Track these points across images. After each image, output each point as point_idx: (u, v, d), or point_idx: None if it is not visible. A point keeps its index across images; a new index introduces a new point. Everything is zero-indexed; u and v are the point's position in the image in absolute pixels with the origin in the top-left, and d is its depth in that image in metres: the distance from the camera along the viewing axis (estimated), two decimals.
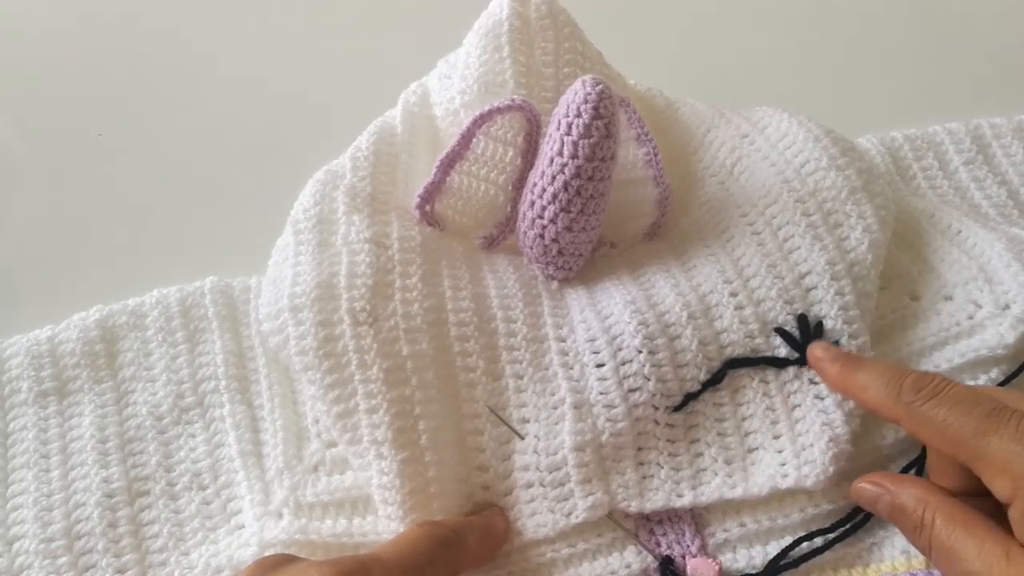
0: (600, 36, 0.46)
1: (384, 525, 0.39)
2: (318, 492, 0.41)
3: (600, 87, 0.38)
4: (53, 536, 0.41)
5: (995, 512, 0.32)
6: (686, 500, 0.39)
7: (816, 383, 0.39)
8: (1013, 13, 0.65)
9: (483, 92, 0.43)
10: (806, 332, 0.40)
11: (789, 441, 0.39)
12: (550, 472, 0.39)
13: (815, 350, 0.39)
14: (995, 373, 0.40)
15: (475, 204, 0.44)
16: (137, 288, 0.49)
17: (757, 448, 0.39)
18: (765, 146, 0.45)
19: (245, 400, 0.45)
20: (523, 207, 0.42)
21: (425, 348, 0.39)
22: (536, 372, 0.41)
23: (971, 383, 0.40)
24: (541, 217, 0.41)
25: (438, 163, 0.42)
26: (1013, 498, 0.31)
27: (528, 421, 0.40)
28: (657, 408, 0.39)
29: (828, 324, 0.40)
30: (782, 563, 0.38)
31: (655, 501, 0.39)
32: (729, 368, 0.40)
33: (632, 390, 0.39)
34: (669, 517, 0.39)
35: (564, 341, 0.41)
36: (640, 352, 0.39)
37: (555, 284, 0.44)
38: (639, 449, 0.39)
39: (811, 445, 0.38)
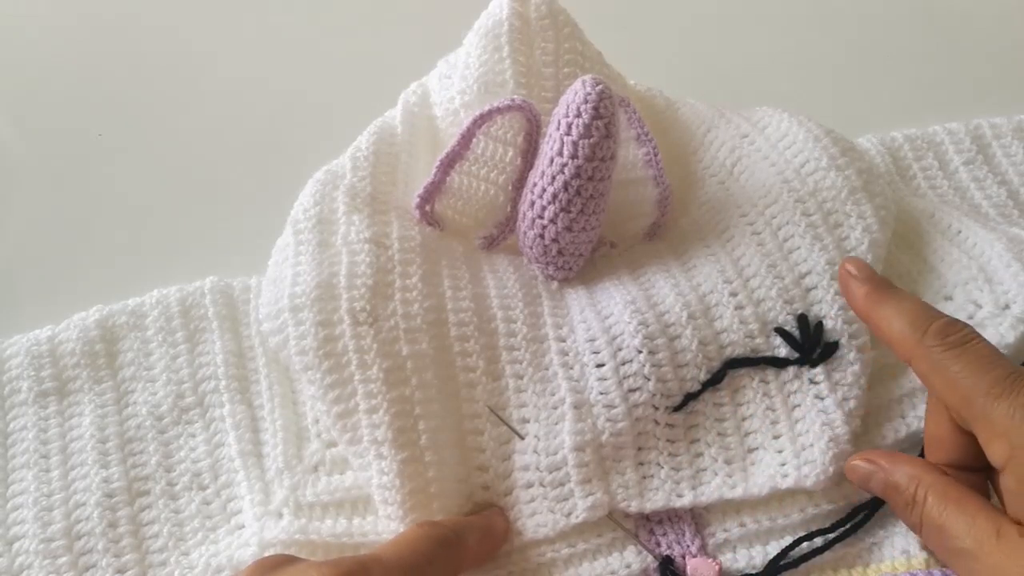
0: (600, 36, 0.46)
1: (384, 525, 0.39)
2: (318, 492, 0.41)
3: (600, 87, 0.38)
4: (53, 536, 0.41)
5: (984, 488, 0.32)
6: (686, 500, 0.39)
7: (816, 383, 0.39)
8: (1013, 13, 0.65)
9: (483, 92, 0.43)
10: (806, 332, 0.40)
11: (789, 441, 0.39)
12: (550, 472, 0.39)
13: (847, 264, 0.38)
14: None
15: (475, 204, 0.44)
16: (137, 288, 0.49)
17: (757, 448, 0.39)
18: (765, 146, 0.45)
19: (245, 400, 0.45)
20: (523, 207, 0.42)
21: (425, 348, 0.39)
22: (536, 372, 0.41)
23: None
24: (541, 217, 0.41)
25: (438, 163, 0.42)
26: (1006, 465, 0.31)
27: (528, 421, 0.40)
28: (657, 408, 0.39)
29: (828, 324, 0.40)
30: (782, 563, 0.38)
31: (655, 501, 0.39)
32: (729, 368, 0.40)
33: (632, 390, 0.39)
34: (669, 517, 0.39)
35: (564, 341, 0.41)
36: (640, 352, 0.39)
37: (555, 284, 0.44)
38: (639, 449, 0.39)
39: (811, 445, 0.38)
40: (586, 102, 0.38)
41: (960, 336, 0.33)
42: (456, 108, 0.44)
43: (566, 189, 0.40)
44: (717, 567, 0.38)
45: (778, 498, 0.39)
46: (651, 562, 0.38)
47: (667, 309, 0.40)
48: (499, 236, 0.45)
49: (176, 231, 0.54)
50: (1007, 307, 0.41)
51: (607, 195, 0.41)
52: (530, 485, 0.39)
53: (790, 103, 0.48)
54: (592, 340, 0.40)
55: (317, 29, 0.66)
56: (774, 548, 0.38)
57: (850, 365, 0.39)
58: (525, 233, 0.43)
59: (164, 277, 0.49)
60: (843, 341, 0.40)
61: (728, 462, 0.39)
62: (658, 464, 0.39)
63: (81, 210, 0.56)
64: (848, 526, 0.38)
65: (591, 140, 0.38)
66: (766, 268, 0.41)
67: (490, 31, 0.44)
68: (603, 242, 0.46)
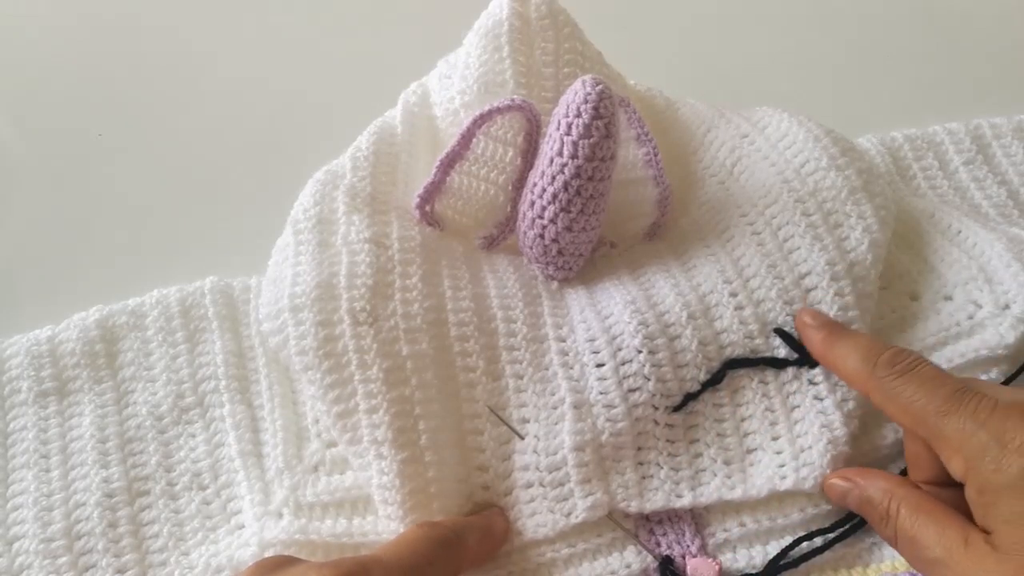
0: (600, 36, 0.46)
1: (384, 525, 0.39)
2: (318, 492, 0.41)
3: (600, 87, 0.38)
4: (53, 536, 0.41)
5: (964, 503, 0.33)
6: (685, 501, 0.39)
7: (815, 384, 0.39)
8: (1013, 13, 0.65)
9: (483, 92, 0.43)
10: None
11: (788, 443, 0.39)
12: (550, 472, 0.39)
13: (803, 315, 0.39)
14: (995, 373, 0.40)
15: (475, 204, 0.44)
16: (137, 288, 0.49)
17: (756, 449, 0.39)
18: (765, 146, 0.45)
19: (245, 400, 0.45)
20: (523, 207, 0.42)
21: (425, 348, 0.39)
22: (536, 372, 0.41)
23: None
24: (541, 217, 0.41)
25: (438, 163, 0.42)
26: (965, 477, 0.32)
27: (528, 421, 0.40)
28: (657, 408, 0.39)
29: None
30: (782, 563, 0.38)
31: (655, 501, 0.39)
32: (729, 368, 0.40)
33: (632, 390, 0.39)
34: (669, 517, 0.39)
35: (564, 341, 0.41)
36: (640, 352, 0.39)
37: (555, 284, 0.44)
38: (639, 449, 0.39)
39: (810, 447, 0.38)
40: (586, 102, 0.38)
41: (907, 363, 0.35)
42: (456, 108, 0.44)
43: (566, 189, 0.40)
44: (717, 567, 0.38)
45: (778, 498, 0.39)
46: (651, 562, 0.38)
47: (667, 309, 0.41)
48: (499, 236, 0.45)
49: (176, 231, 0.54)
50: (1007, 307, 0.41)
51: (607, 195, 0.41)
52: (530, 485, 0.39)
53: (790, 103, 0.48)
54: (592, 340, 0.40)
55: (317, 29, 0.66)
56: (774, 548, 0.38)
57: None
58: (525, 233, 0.43)
59: (164, 277, 0.49)
60: None
61: (727, 463, 0.39)
62: (658, 464, 0.39)
63: (81, 210, 0.56)
64: (848, 526, 0.38)
65: (591, 140, 0.38)
66: (766, 268, 0.41)
67: (490, 31, 0.44)
68: (603, 242, 0.46)
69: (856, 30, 0.64)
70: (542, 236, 0.42)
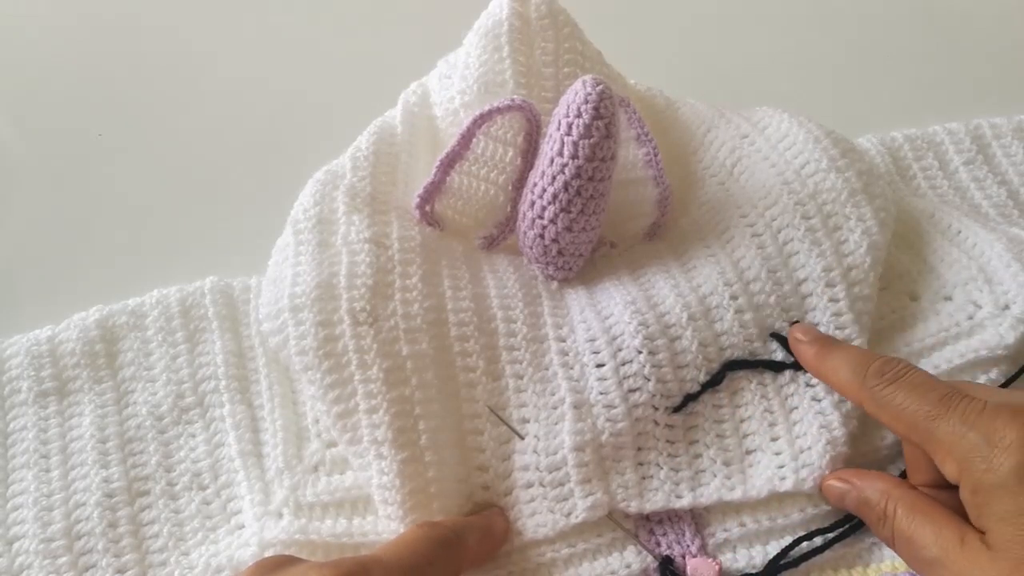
0: (600, 36, 0.46)
1: (384, 525, 0.39)
2: (318, 492, 0.41)
3: (600, 87, 0.38)
4: (53, 536, 0.41)
5: (961, 505, 0.33)
6: (685, 501, 0.39)
7: (812, 385, 0.40)
8: (1013, 13, 0.65)
9: (483, 92, 0.43)
10: None
11: (787, 443, 0.39)
12: (550, 472, 0.39)
13: (795, 332, 0.40)
14: (995, 374, 0.40)
15: (475, 204, 0.44)
16: (137, 288, 0.49)
17: (755, 450, 0.39)
18: (765, 147, 0.45)
19: (245, 400, 0.45)
20: (523, 207, 0.42)
21: (425, 348, 0.39)
22: (536, 372, 0.41)
23: None
24: (541, 217, 0.41)
25: (438, 163, 0.42)
26: (959, 478, 0.32)
27: (528, 421, 0.40)
28: (657, 408, 0.39)
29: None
30: (782, 563, 0.38)
31: (654, 502, 0.39)
32: (728, 370, 0.40)
33: (632, 390, 0.39)
34: (669, 517, 0.39)
35: (564, 341, 0.41)
36: (640, 352, 0.39)
37: (555, 284, 0.44)
38: (639, 449, 0.39)
39: (809, 447, 0.39)
40: (586, 102, 0.38)
41: (896, 372, 0.35)
42: (456, 108, 0.44)
43: (566, 189, 0.40)
44: (717, 567, 0.38)
45: (778, 498, 0.39)
46: (651, 562, 0.38)
47: (667, 310, 0.41)
48: (499, 236, 0.45)
49: (176, 231, 0.54)
50: (1007, 307, 0.41)
51: (607, 195, 0.41)
52: (530, 485, 0.39)
53: (790, 103, 0.48)
54: (592, 340, 0.40)
55: (317, 29, 0.66)
56: (774, 548, 0.38)
57: None
58: (525, 233, 0.43)
59: (164, 277, 0.49)
60: None
61: (727, 463, 0.39)
62: (657, 465, 0.39)
63: (81, 210, 0.56)
64: (848, 526, 0.38)
65: (591, 140, 0.38)
66: (766, 273, 0.41)
67: (490, 31, 0.44)
68: (603, 242, 0.46)
69: (856, 30, 0.64)
70: (542, 236, 0.42)
